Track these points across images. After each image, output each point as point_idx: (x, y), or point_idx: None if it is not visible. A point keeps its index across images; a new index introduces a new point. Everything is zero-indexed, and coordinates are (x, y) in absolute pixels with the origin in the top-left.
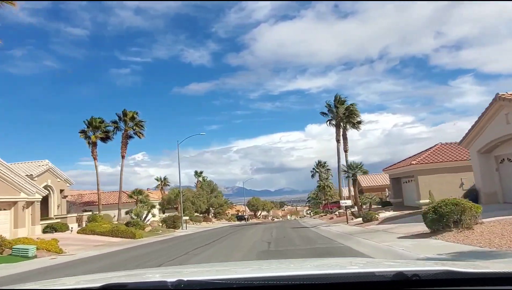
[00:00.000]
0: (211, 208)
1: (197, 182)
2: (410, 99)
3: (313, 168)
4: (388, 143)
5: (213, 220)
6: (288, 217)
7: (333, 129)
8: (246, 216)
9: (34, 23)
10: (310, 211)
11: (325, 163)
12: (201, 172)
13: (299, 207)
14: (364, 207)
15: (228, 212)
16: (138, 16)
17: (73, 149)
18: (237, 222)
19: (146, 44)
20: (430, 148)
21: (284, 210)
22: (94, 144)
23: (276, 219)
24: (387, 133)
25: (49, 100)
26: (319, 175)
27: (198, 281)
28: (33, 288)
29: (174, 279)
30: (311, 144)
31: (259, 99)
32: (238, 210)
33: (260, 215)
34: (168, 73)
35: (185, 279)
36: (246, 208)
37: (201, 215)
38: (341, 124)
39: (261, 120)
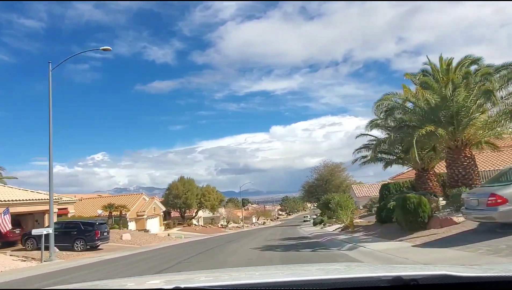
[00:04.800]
0: None
1: None
2: (371, 103)
3: None
4: (351, 145)
5: None
6: (254, 219)
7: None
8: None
9: None
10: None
11: None
12: None
13: (268, 206)
14: None
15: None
16: (98, 10)
17: (25, 148)
18: None
19: (107, 40)
20: None
21: (248, 209)
22: None
23: (232, 227)
24: (350, 135)
25: None
26: None
27: (195, 288)
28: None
29: (171, 286)
30: (275, 145)
31: (224, 99)
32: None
33: (196, 218)
34: (130, 70)
35: (182, 286)
36: (156, 205)
37: None
38: None
39: (226, 121)
